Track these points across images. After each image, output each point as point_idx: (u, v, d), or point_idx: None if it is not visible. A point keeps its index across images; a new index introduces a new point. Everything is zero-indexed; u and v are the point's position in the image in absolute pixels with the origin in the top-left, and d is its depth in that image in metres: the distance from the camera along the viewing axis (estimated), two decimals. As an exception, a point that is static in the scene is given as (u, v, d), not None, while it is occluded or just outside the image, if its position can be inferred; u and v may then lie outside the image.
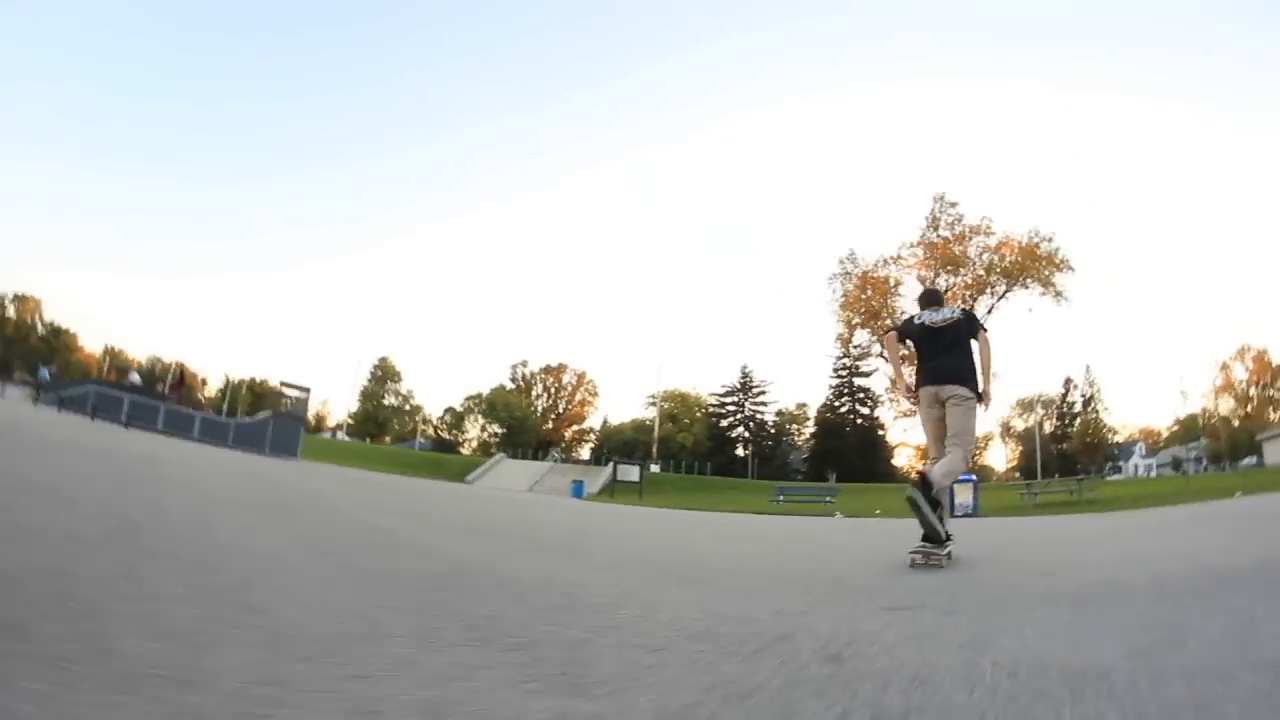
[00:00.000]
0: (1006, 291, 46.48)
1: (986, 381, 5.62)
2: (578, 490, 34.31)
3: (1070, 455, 75.66)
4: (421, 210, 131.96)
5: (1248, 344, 77.95)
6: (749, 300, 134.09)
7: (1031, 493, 22.57)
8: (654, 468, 59.82)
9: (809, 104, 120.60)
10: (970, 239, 47.31)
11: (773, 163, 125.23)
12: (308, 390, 40.42)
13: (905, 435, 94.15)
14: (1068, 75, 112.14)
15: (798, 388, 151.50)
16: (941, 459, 5.29)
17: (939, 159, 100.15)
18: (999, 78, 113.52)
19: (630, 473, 38.85)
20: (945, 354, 5.58)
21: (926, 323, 5.75)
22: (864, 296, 49.02)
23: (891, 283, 48.89)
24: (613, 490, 36.66)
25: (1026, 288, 45.62)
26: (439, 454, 71.12)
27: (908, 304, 48.42)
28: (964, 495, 18.58)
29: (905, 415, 51.26)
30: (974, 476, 20.39)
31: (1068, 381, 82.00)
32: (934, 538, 4.85)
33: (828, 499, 25.72)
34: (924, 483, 4.86)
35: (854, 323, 49.83)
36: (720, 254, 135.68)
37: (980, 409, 5.55)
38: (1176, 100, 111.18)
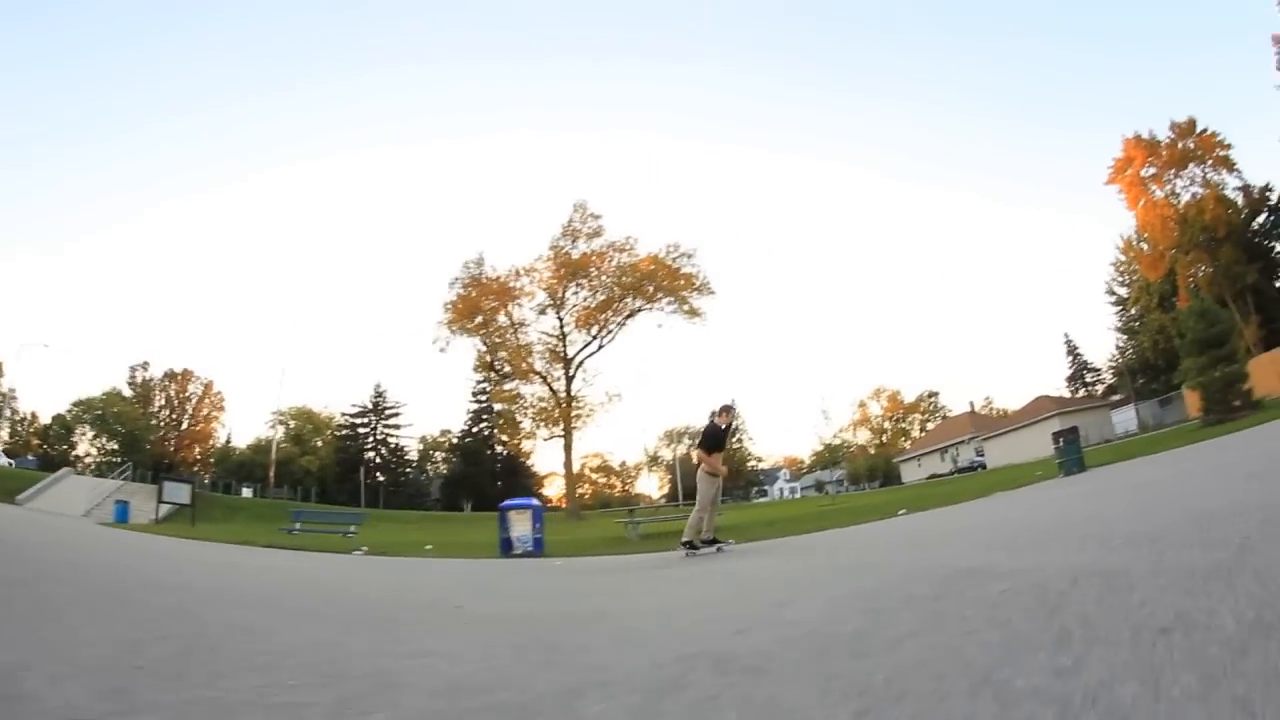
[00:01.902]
0: (638, 310, 43.86)
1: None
2: (121, 514, 28.60)
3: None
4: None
5: (883, 385, 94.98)
6: (392, 318, 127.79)
7: (634, 522, 18.14)
8: (245, 491, 54.01)
9: (472, 123, 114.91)
10: (612, 257, 44.16)
11: (426, 180, 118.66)
12: None
13: (555, 464, 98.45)
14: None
15: (446, 414, 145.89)
16: None
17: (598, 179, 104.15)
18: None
19: (179, 493, 32.82)
20: None
21: None
22: (478, 301, 43.41)
23: (515, 293, 44.40)
24: (158, 514, 30.51)
25: (656, 301, 43.40)
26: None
27: (529, 314, 44.98)
28: (521, 527, 14.44)
29: (527, 437, 45.18)
30: (534, 501, 16.32)
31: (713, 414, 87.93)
32: (704, 543, 9.76)
33: (351, 529, 20.21)
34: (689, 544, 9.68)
35: (455, 326, 43.94)
36: (364, 269, 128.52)
37: (705, 474, 10.11)
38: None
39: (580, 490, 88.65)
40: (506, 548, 14.11)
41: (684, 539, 9.86)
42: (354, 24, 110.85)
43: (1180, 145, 50.28)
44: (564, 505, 47.79)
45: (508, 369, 43.88)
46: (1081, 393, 68.26)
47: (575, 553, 14.09)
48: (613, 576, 8.07)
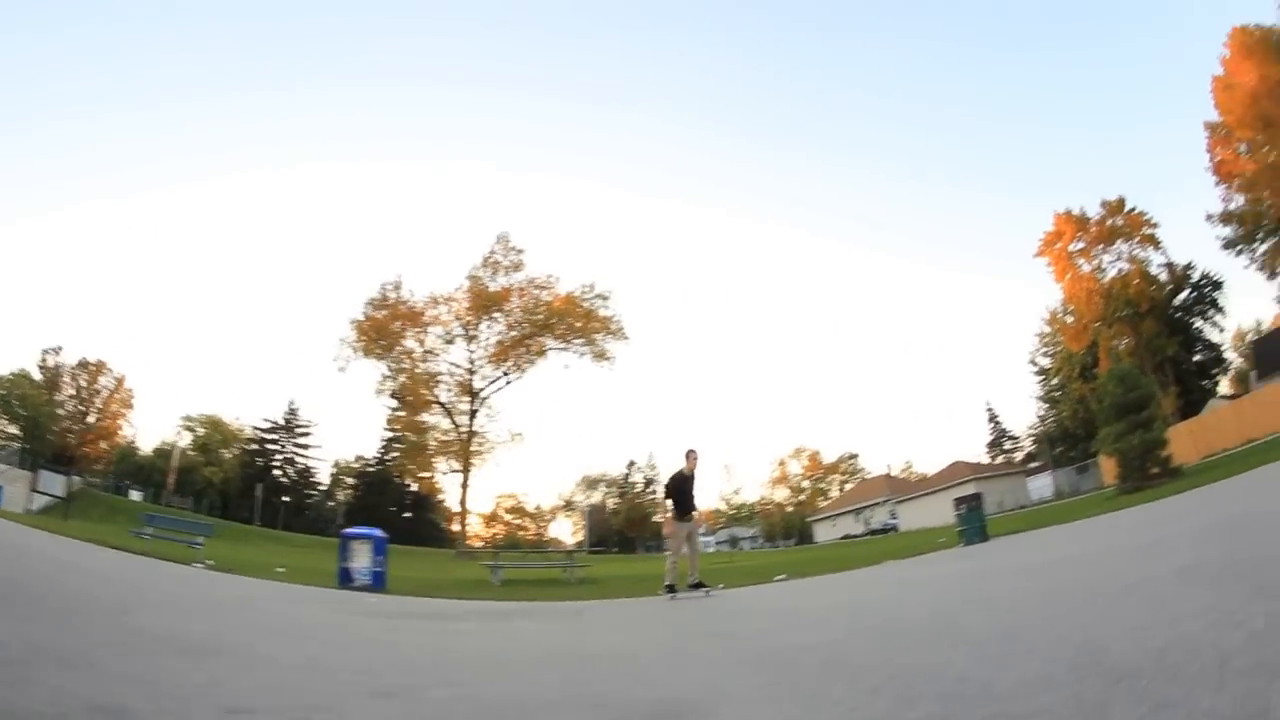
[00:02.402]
0: (549, 349, 42.58)
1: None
2: (-10, 499, 28.24)
3: (622, 530, 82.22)
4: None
5: (804, 445, 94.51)
6: (314, 335, 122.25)
7: (497, 566, 17.00)
8: (135, 494, 53.40)
9: (410, 148, 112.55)
10: (530, 293, 42.71)
11: (359, 201, 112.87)
12: None
13: (467, 501, 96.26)
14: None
15: (361, 439, 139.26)
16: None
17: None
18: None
19: (54, 484, 33.01)
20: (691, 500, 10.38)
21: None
22: (386, 323, 41.08)
23: (428, 320, 42.29)
24: (31, 503, 30.11)
25: (569, 342, 42.16)
26: None
27: (439, 343, 42.69)
28: (361, 558, 13.00)
29: (425, 470, 41.70)
30: (377, 531, 13.90)
31: (631, 463, 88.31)
32: (691, 587, 9.91)
33: (199, 541, 17.98)
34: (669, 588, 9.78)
35: (359, 346, 41.38)
36: (291, 283, 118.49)
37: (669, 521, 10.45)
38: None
39: (494, 531, 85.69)
40: (345, 578, 12.75)
41: (665, 583, 9.97)
42: (301, 36, 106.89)
43: (1109, 222, 51.29)
44: (469, 543, 45.70)
45: (409, 397, 41.19)
46: (1000, 459, 69.18)
47: (421, 592, 12.90)
48: (371, 622, 6.77)
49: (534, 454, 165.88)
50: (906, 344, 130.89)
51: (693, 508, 10.38)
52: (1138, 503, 14.26)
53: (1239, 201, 41.43)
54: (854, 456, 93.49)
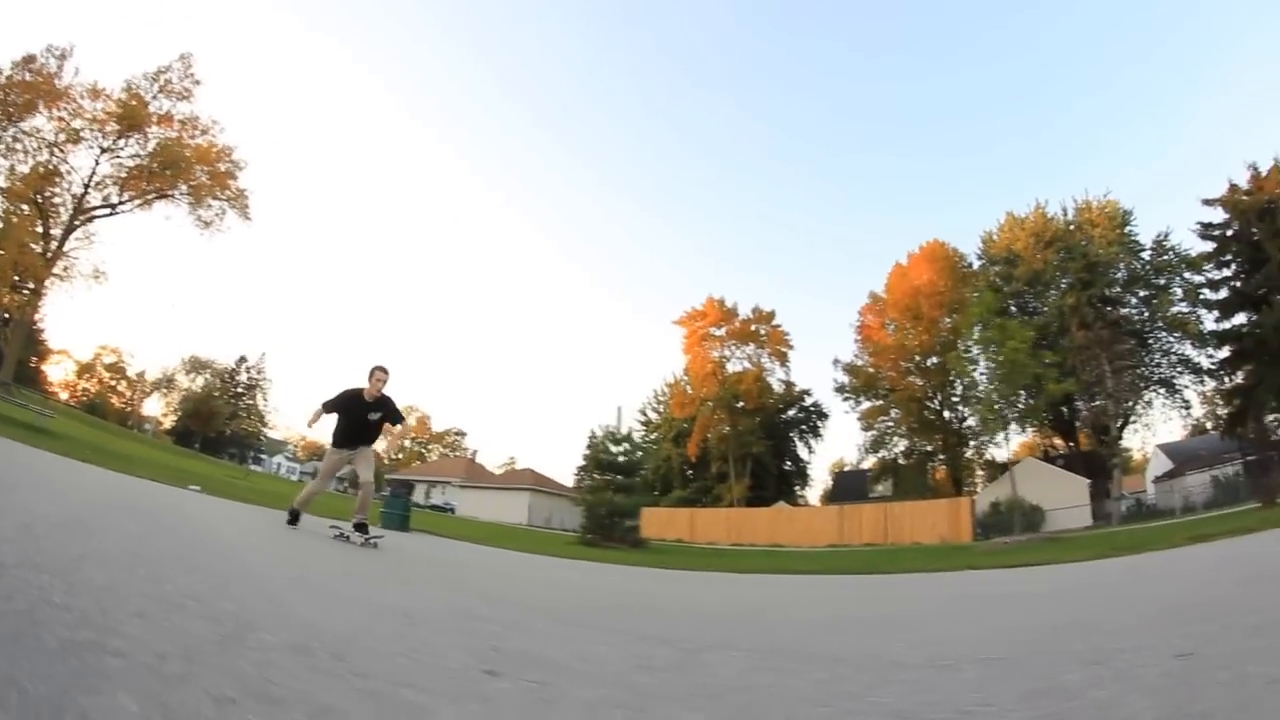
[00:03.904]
0: (169, 194, 38.59)
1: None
2: None
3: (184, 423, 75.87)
4: None
5: (415, 404, 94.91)
6: None
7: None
8: None
9: None
10: (191, 132, 38.95)
11: None
12: None
13: (68, 340, 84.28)
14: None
15: None
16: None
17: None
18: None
19: None
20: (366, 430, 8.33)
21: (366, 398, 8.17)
22: (22, 89, 34.55)
23: (76, 109, 36.18)
24: None
25: (199, 200, 38.91)
26: None
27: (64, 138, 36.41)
28: None
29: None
30: None
31: (242, 359, 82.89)
32: (356, 529, 7.91)
33: None
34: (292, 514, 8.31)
35: None
36: None
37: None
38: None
39: (86, 385, 74.49)
40: None
41: (291, 505, 8.51)
42: None
43: (754, 326, 59.02)
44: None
45: (14, 183, 34.11)
46: (588, 483, 73.53)
47: None
48: None
49: (153, 319, 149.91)
50: (555, 347, 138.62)
51: (366, 439, 8.35)
52: (585, 557, 14.36)
53: (865, 361, 50.92)
54: (462, 434, 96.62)
